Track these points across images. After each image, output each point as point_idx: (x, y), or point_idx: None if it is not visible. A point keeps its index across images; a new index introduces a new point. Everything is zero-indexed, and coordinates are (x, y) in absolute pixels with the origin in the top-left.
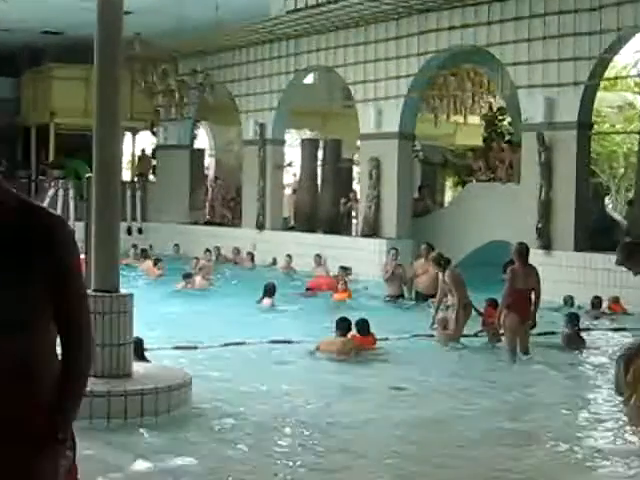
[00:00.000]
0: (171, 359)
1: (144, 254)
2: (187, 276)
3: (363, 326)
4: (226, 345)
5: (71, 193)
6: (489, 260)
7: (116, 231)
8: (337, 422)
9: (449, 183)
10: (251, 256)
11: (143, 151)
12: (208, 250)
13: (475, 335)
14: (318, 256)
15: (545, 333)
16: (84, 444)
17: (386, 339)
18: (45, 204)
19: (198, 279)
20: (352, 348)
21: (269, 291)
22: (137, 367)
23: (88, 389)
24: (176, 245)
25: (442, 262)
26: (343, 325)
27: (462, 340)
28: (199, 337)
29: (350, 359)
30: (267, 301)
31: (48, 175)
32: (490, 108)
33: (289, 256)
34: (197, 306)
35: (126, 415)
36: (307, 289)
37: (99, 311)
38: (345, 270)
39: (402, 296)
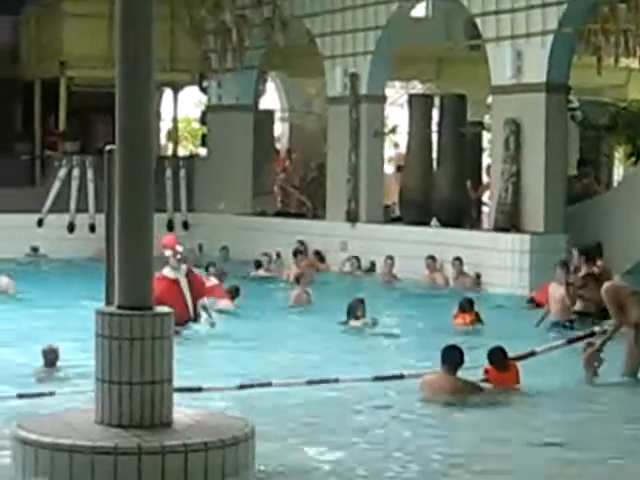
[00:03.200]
0: (231, 402)
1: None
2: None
3: (499, 356)
4: (311, 383)
5: (90, 173)
6: None
7: (149, 225)
8: None
9: (620, 154)
10: (319, 256)
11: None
12: (300, 252)
13: None
14: (432, 259)
15: None
16: None
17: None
18: (55, 190)
19: (296, 292)
20: (466, 388)
21: (354, 310)
22: (179, 414)
23: (110, 444)
24: (224, 248)
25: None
26: (452, 357)
27: None
28: (268, 371)
29: (466, 402)
30: (355, 322)
31: (59, 149)
32: None
33: (391, 258)
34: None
35: None
36: None
37: (126, 336)
38: (477, 278)
39: (571, 321)
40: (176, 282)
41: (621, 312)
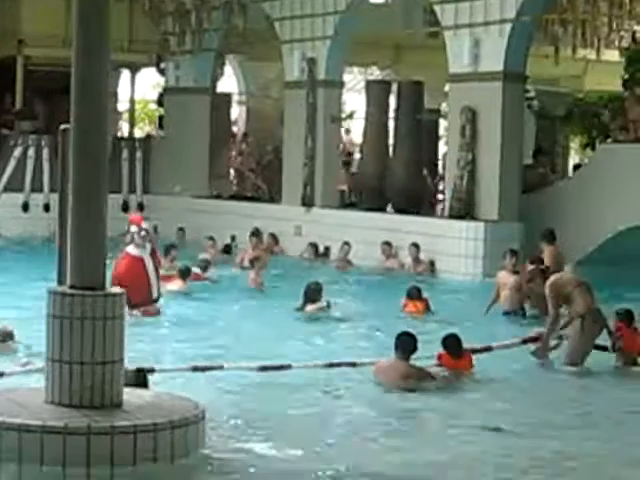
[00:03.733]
0: (184, 385)
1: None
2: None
3: (453, 342)
4: (264, 369)
5: (45, 153)
6: (630, 253)
7: (102, 205)
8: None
9: (575, 144)
10: (274, 240)
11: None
12: (255, 234)
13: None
14: (387, 244)
15: None
16: None
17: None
18: (10, 168)
19: (252, 275)
20: (419, 375)
21: (311, 295)
22: (130, 395)
23: (60, 423)
24: (181, 229)
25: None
26: (405, 344)
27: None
28: (226, 354)
29: (419, 388)
30: (310, 307)
31: (15, 128)
32: (634, 39)
33: (347, 244)
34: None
35: (113, 461)
36: None
37: (77, 316)
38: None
39: (523, 310)
40: (140, 260)
41: (567, 303)
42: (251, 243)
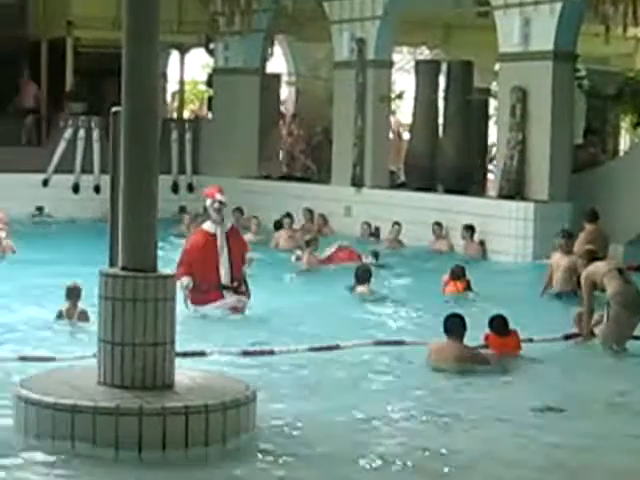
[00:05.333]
0: (234, 368)
1: (196, 221)
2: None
3: (500, 323)
4: (313, 350)
5: (96, 134)
6: None
7: (153, 187)
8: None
9: (626, 124)
10: (324, 220)
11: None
12: (309, 210)
13: None
14: (438, 225)
15: None
16: None
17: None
18: (60, 150)
19: (307, 255)
20: (475, 358)
21: (361, 276)
22: (181, 376)
23: (112, 404)
24: (238, 209)
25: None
26: (457, 326)
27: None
28: (273, 339)
29: (473, 370)
30: (361, 289)
31: (65, 110)
32: None
33: (398, 224)
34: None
35: (165, 443)
36: None
37: (129, 297)
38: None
39: (575, 292)
40: (212, 236)
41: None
42: (305, 220)
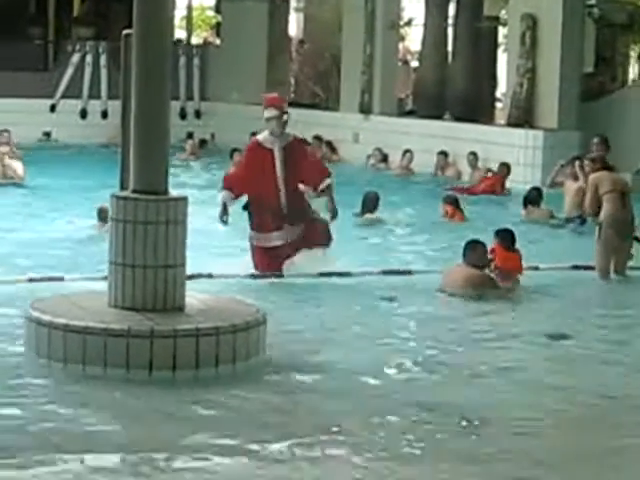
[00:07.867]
0: (243, 292)
1: (204, 147)
2: None
3: (506, 235)
4: (322, 276)
5: (103, 60)
6: None
7: (164, 110)
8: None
9: (635, 53)
10: (331, 148)
11: None
12: (318, 138)
13: None
14: (443, 154)
15: None
16: (117, 403)
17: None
18: (67, 75)
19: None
20: (490, 283)
21: (369, 203)
22: (192, 299)
23: (123, 326)
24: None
25: None
26: (476, 249)
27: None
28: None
29: (487, 296)
30: (368, 216)
31: (72, 35)
32: None
33: (409, 152)
34: None
35: (175, 364)
36: None
37: (140, 220)
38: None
39: (581, 217)
40: (269, 151)
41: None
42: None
